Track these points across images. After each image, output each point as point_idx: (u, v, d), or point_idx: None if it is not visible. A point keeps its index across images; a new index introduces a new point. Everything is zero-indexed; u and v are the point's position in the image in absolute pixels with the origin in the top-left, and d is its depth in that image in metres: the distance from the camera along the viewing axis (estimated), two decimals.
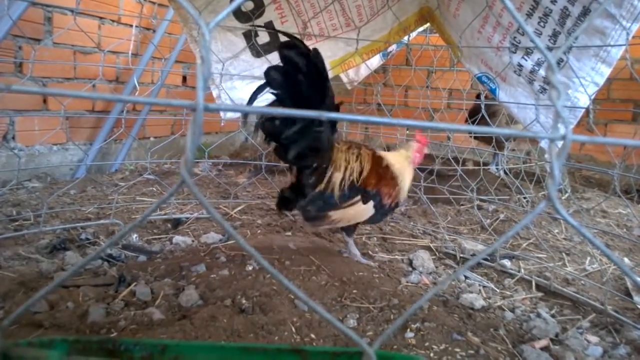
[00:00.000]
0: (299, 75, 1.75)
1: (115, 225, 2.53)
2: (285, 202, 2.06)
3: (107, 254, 2.13)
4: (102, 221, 2.57)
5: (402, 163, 2.21)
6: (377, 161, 2.14)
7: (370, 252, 2.41)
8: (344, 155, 2.04)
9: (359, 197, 2.03)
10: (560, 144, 0.53)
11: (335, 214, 2.01)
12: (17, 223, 2.45)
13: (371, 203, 2.06)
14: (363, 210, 2.06)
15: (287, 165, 2.07)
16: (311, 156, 1.93)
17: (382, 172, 2.11)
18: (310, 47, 1.76)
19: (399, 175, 2.16)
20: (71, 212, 2.70)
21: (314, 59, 1.74)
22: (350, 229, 2.20)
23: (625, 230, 3.12)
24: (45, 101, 3.42)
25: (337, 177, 2.00)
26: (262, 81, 1.79)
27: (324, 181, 1.99)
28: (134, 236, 2.40)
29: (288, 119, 1.80)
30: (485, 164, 3.94)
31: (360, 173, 2.05)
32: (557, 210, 0.50)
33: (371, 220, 2.16)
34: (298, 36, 2.54)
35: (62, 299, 1.70)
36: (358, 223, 2.17)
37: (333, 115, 0.51)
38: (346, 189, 2.00)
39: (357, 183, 2.03)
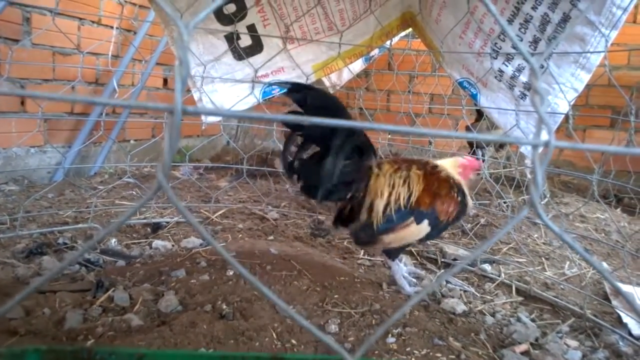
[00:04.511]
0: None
1: (94, 230, 2.49)
2: (341, 220, 2.03)
3: (85, 259, 2.09)
4: (80, 225, 2.52)
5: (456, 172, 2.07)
6: (431, 177, 1.98)
7: (354, 256, 2.41)
8: (386, 180, 1.94)
9: (411, 219, 1.92)
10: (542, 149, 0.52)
11: (387, 237, 1.93)
12: None
13: (426, 222, 1.93)
14: (417, 230, 1.94)
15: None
16: (341, 190, 1.91)
17: (437, 189, 1.96)
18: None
19: (458, 186, 2.00)
20: (48, 216, 2.65)
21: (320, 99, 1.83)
22: (395, 250, 2.06)
23: (603, 234, 3.16)
24: (23, 103, 3.36)
25: (380, 205, 1.91)
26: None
27: (367, 210, 1.93)
28: (113, 241, 2.36)
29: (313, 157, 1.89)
30: None
31: (410, 196, 1.92)
32: (539, 216, 0.50)
33: (427, 238, 2.03)
34: (280, 39, 2.54)
35: (39, 305, 1.66)
36: (410, 243, 2.05)
37: (315, 119, 0.50)
38: (394, 215, 1.90)
39: (407, 207, 1.92)
